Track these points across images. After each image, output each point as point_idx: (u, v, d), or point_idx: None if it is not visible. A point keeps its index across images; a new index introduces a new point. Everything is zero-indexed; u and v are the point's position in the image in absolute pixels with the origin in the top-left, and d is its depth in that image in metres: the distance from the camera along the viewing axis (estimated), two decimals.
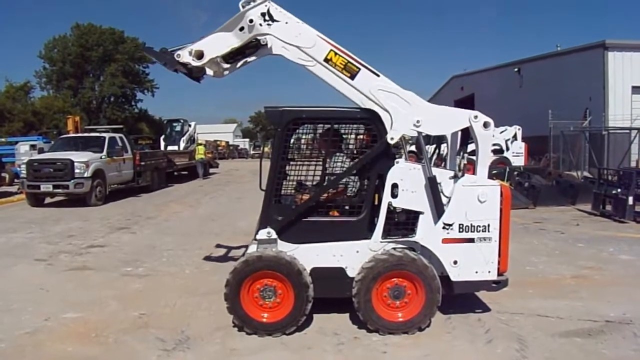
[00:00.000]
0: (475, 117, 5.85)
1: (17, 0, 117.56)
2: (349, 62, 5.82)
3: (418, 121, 5.79)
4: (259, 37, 5.95)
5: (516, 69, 38.08)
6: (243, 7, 5.90)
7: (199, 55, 6.06)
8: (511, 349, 5.48)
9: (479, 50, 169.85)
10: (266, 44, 5.94)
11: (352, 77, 5.79)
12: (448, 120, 5.99)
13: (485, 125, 5.85)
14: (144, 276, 8.57)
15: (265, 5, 5.84)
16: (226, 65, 6.34)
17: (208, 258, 9.67)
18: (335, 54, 5.82)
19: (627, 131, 22.89)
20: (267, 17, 5.84)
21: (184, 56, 6.10)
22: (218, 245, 10.64)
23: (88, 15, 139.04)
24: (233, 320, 5.89)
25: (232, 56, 6.21)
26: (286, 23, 5.88)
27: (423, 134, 5.89)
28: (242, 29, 5.94)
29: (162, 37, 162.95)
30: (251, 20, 5.84)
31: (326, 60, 5.81)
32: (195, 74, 6.46)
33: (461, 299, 6.54)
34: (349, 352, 5.48)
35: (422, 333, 5.83)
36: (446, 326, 6.10)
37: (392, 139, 5.79)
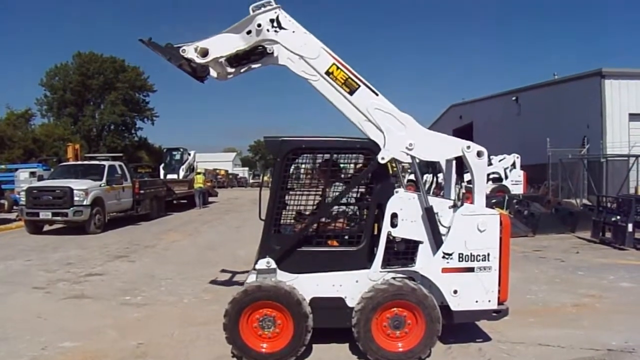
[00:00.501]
0: (468, 147, 5.88)
1: (20, 28, 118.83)
2: (349, 77, 5.87)
3: (411, 144, 5.83)
4: (265, 44, 6.01)
5: (514, 98, 38.32)
6: (253, 10, 5.96)
7: (204, 52, 6.12)
8: None
9: (477, 79, 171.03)
10: (272, 53, 6.01)
11: (351, 93, 5.84)
12: (441, 147, 6.02)
13: (479, 154, 5.87)
14: (143, 305, 8.52)
15: (275, 12, 5.91)
16: (230, 70, 6.40)
17: (207, 287, 9.61)
18: (337, 67, 5.88)
19: (625, 158, 22.94)
20: (275, 24, 5.90)
21: (189, 52, 6.16)
22: (217, 275, 10.59)
23: (90, 44, 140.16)
24: (232, 350, 5.84)
25: (237, 61, 6.26)
26: (293, 32, 5.94)
27: (417, 160, 5.92)
28: (249, 32, 5.99)
29: (164, 66, 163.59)
30: (259, 25, 5.90)
31: (327, 73, 5.87)
32: (200, 73, 6.43)
33: (462, 328, 6.50)
34: None
35: None
36: (447, 356, 6.06)
37: (382, 158, 5.81)
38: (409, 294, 5.65)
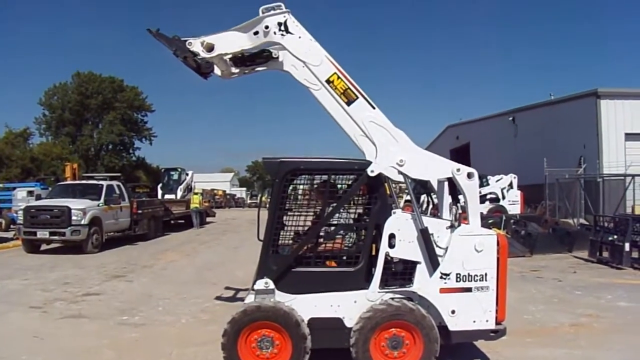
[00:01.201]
0: (458, 170, 5.94)
1: (18, 47, 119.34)
2: (348, 88, 5.97)
3: (402, 160, 5.89)
4: (270, 48, 6.10)
5: (511, 118, 38.54)
6: (262, 12, 6.05)
7: (210, 47, 6.21)
8: None
9: (473, 100, 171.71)
10: (278, 57, 6.10)
11: (349, 104, 5.94)
12: (431, 166, 6.08)
13: (469, 176, 5.92)
14: (140, 325, 8.50)
15: (284, 16, 6.01)
16: (235, 70, 6.50)
17: (205, 307, 9.60)
18: (338, 77, 5.97)
19: (622, 178, 23.03)
20: (282, 28, 6.00)
21: (195, 45, 6.25)
22: (215, 295, 10.58)
23: (89, 64, 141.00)
24: None
25: (242, 62, 6.35)
26: (299, 37, 6.04)
27: (409, 179, 5.98)
28: (256, 33, 6.09)
29: (163, 86, 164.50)
30: (267, 27, 6.00)
31: (328, 81, 5.96)
32: (204, 69, 6.52)
33: (460, 348, 6.50)
34: None
35: None
36: None
37: (372, 171, 5.86)
38: (407, 314, 5.66)
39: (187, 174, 35.50)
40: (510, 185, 28.78)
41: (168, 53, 6.40)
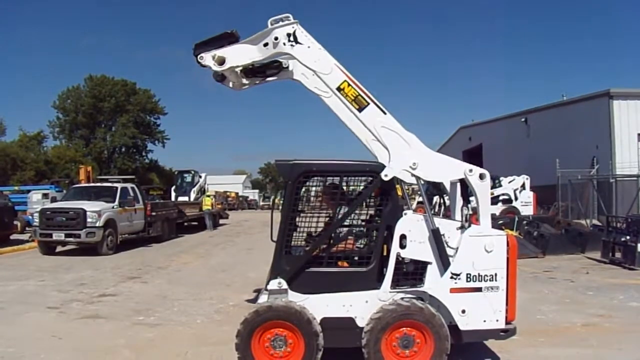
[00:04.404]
0: (470, 170, 5.99)
1: (32, 52, 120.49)
2: (359, 94, 6.03)
3: (414, 163, 5.95)
4: (280, 59, 6.19)
5: (523, 119, 38.39)
6: (271, 24, 6.14)
7: (221, 61, 6.31)
8: None
9: (485, 101, 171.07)
10: (288, 67, 6.18)
11: (360, 110, 5.99)
12: (444, 168, 6.13)
13: (481, 177, 5.98)
14: (156, 325, 8.62)
15: (292, 27, 6.09)
16: (246, 80, 6.59)
17: (219, 308, 9.72)
18: (348, 84, 6.04)
19: (635, 178, 22.90)
20: (291, 38, 6.08)
21: (207, 59, 6.35)
22: (229, 296, 10.71)
23: (101, 67, 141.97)
24: None
25: (253, 73, 6.45)
26: (308, 47, 6.11)
27: (422, 181, 6.05)
28: (266, 44, 6.18)
29: (175, 89, 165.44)
30: (276, 38, 6.08)
31: (339, 89, 6.02)
32: (215, 78, 6.66)
33: (471, 348, 6.57)
34: None
35: None
36: None
37: (386, 175, 5.91)
38: (417, 314, 5.73)
39: (200, 176, 35.72)
40: (523, 187, 28.69)
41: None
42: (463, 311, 5.84)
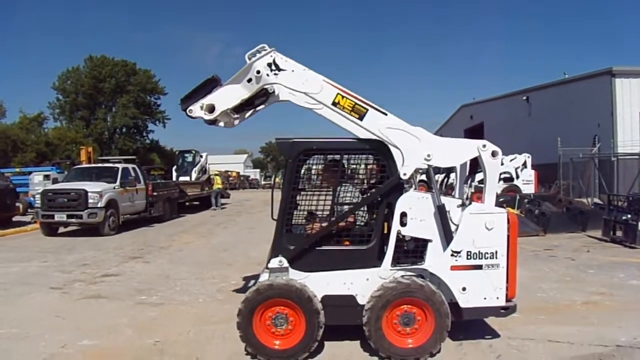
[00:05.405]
0: (484, 146, 5.97)
1: (32, 33, 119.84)
2: (356, 104, 5.93)
3: (429, 155, 5.91)
4: (266, 86, 6.07)
5: (525, 97, 38.29)
6: (249, 58, 6.05)
7: (210, 108, 6.20)
8: None
9: (487, 80, 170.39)
10: (274, 92, 6.06)
11: (361, 118, 5.90)
12: (457, 151, 6.10)
13: (494, 154, 5.96)
14: (158, 305, 8.67)
15: (271, 56, 5.99)
16: (236, 115, 6.46)
17: (221, 287, 9.76)
18: (343, 97, 5.93)
19: (636, 157, 22.90)
20: (273, 67, 5.98)
21: (196, 111, 6.25)
22: (230, 275, 10.76)
23: (101, 48, 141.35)
24: (246, 348, 5.97)
25: (242, 107, 6.31)
26: (292, 71, 6.01)
27: (433, 167, 6.04)
28: (250, 80, 6.07)
29: (175, 69, 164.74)
30: (258, 72, 5.98)
31: (334, 104, 5.92)
32: (207, 123, 6.53)
33: (472, 325, 6.61)
34: None
35: (434, 359, 5.89)
36: (458, 352, 6.15)
37: (404, 174, 5.90)
38: (417, 291, 5.76)
39: (201, 156, 35.64)
40: (524, 165, 28.68)
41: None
42: (463, 289, 5.87)
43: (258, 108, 6.38)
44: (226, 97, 6.21)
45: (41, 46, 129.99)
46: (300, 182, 6.42)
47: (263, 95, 6.13)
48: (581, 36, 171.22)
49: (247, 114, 6.48)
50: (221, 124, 6.57)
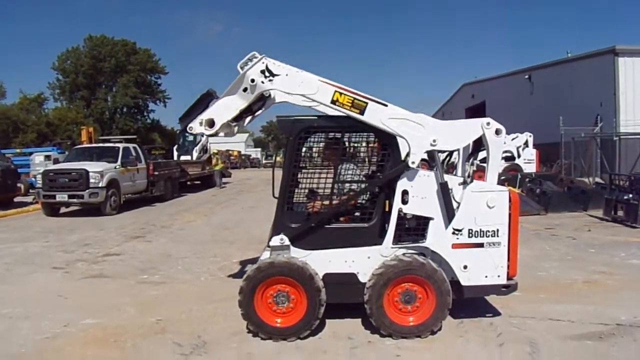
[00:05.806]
0: (488, 123, 5.93)
1: (31, 13, 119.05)
2: (355, 99, 5.85)
3: (434, 140, 5.85)
4: (263, 93, 6.03)
5: (527, 76, 38.11)
6: (242, 68, 5.97)
7: (210, 123, 6.17)
8: (523, 352, 5.54)
9: (489, 58, 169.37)
10: (269, 96, 6.03)
11: (362, 113, 5.83)
12: (462, 133, 6.04)
13: (497, 132, 5.93)
14: (160, 283, 8.71)
15: (263, 62, 5.91)
16: (235, 124, 6.47)
17: (223, 265, 9.80)
18: (341, 94, 5.85)
19: (639, 136, 22.81)
20: (267, 74, 5.91)
21: (196, 128, 6.23)
22: (232, 253, 10.79)
23: (100, 27, 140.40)
24: (248, 326, 6.00)
25: (241, 115, 6.29)
26: (287, 75, 5.93)
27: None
28: (245, 89, 6.00)
29: (175, 49, 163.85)
30: (252, 80, 5.91)
31: (333, 102, 5.85)
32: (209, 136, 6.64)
33: (473, 303, 6.63)
34: (363, 356, 5.56)
35: (435, 337, 5.90)
36: (458, 330, 6.17)
37: (413, 162, 5.85)
38: (418, 269, 5.76)
39: (202, 135, 35.51)
40: (526, 144, 28.65)
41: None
42: (465, 267, 5.88)
43: (257, 113, 6.42)
44: (224, 109, 6.18)
45: (40, 26, 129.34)
46: (301, 160, 6.39)
47: (260, 101, 6.11)
48: (585, 15, 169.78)
49: (247, 121, 6.54)
50: (222, 134, 6.57)
